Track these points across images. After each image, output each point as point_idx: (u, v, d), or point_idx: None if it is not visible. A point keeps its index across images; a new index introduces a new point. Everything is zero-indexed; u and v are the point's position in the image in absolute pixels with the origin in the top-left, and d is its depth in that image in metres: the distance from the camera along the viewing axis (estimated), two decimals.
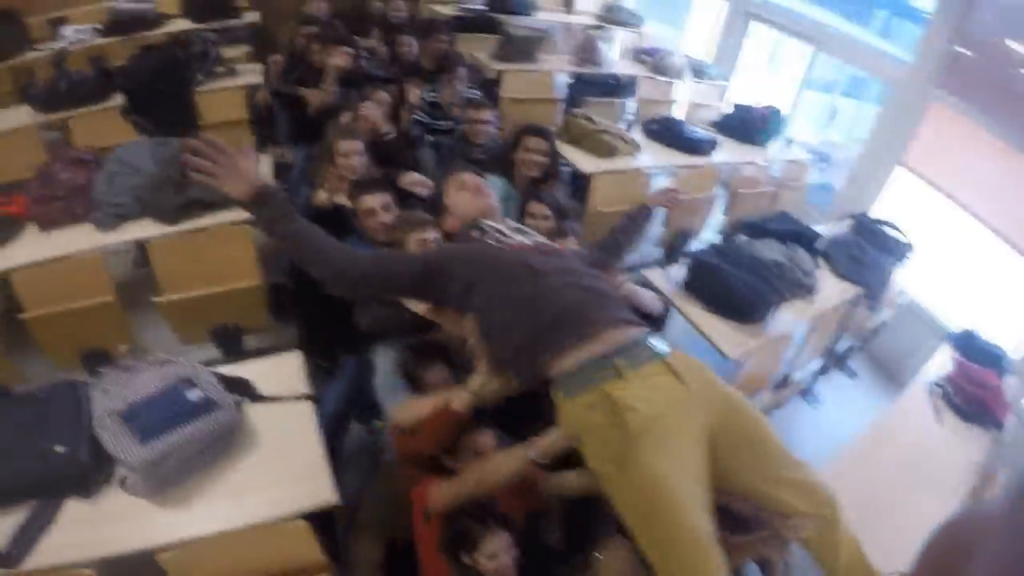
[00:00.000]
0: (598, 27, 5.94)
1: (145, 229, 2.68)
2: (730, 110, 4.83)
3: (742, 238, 3.13)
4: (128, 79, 3.46)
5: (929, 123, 4.14)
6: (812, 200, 4.98)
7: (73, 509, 1.58)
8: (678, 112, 5.06)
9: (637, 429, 1.28)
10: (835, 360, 3.80)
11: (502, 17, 5.33)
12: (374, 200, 2.44)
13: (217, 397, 1.70)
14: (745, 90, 5.80)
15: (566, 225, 2.48)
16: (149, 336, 2.85)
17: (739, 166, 4.36)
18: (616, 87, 4.98)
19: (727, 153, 4.36)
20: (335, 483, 1.69)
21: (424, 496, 1.65)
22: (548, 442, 1.51)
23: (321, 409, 1.94)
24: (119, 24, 4.43)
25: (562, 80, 5.02)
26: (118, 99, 3.50)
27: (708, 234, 4.40)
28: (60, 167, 2.73)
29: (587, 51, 5.09)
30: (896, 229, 3.60)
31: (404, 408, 1.78)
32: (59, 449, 1.57)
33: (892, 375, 4.00)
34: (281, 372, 2.00)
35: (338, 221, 2.51)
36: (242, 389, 1.87)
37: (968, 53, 3.88)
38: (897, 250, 3.52)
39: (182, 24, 4.65)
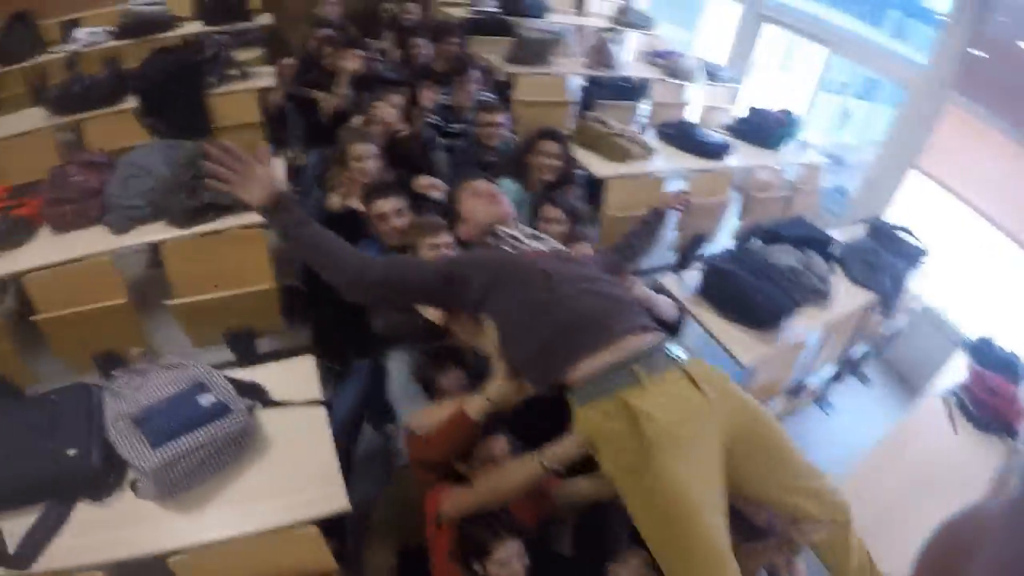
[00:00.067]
0: (611, 29, 5.93)
1: (158, 232, 2.68)
2: (743, 113, 4.79)
3: (757, 243, 3.10)
4: (141, 81, 3.48)
5: (944, 126, 4.09)
6: (826, 203, 4.93)
7: (84, 512, 1.58)
8: (691, 115, 5.02)
9: (655, 437, 1.27)
10: (849, 367, 3.75)
11: (514, 20, 5.30)
12: (387, 204, 2.43)
13: (230, 402, 1.70)
14: (758, 93, 5.76)
15: (580, 229, 2.47)
16: (162, 339, 2.86)
17: (753, 170, 4.32)
18: (629, 90, 4.94)
19: (741, 157, 4.32)
20: (347, 489, 1.68)
21: (437, 502, 1.63)
22: (562, 449, 1.49)
23: (333, 413, 1.93)
24: (132, 26, 4.45)
25: (575, 83, 5.00)
26: (131, 101, 3.52)
27: (723, 238, 4.36)
28: (73, 169, 2.73)
29: (600, 54, 5.06)
30: (910, 234, 3.55)
31: (421, 415, 1.77)
32: (71, 452, 1.57)
33: (907, 382, 3.94)
34: (294, 376, 1.99)
35: (351, 225, 2.50)
36: (255, 394, 1.87)
37: (984, 56, 3.84)
38: (912, 255, 3.47)
39: (195, 27, 4.67)
